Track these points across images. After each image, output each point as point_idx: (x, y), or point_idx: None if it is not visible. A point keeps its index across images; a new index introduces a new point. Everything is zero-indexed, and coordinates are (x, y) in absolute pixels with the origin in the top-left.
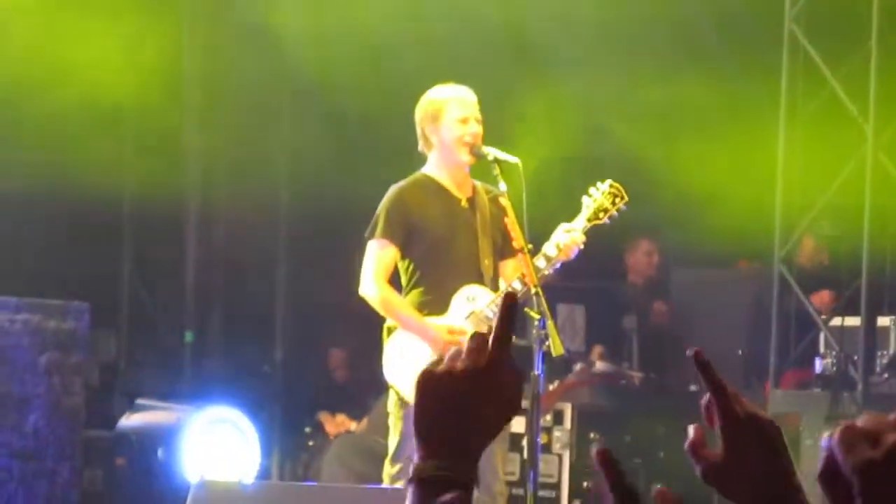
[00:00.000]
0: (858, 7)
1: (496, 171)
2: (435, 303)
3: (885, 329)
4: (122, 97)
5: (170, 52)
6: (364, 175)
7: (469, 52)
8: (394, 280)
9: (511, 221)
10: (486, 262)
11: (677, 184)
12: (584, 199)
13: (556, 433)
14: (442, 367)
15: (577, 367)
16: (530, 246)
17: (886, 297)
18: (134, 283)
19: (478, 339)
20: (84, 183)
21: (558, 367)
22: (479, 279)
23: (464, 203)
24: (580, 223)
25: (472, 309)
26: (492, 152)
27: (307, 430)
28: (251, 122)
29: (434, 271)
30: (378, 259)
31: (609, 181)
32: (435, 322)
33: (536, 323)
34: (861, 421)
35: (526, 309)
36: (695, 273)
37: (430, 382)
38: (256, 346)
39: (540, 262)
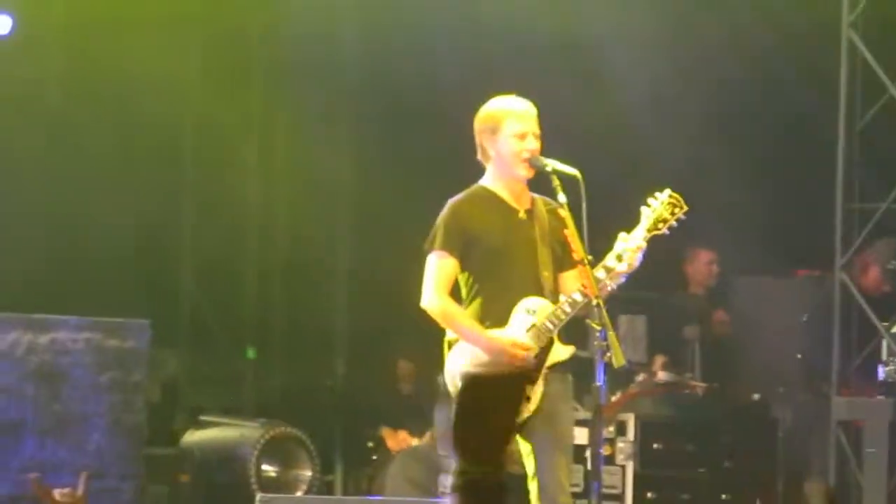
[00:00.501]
0: None
1: (555, 182)
2: (495, 315)
3: None
4: (181, 115)
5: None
6: (425, 188)
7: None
8: (454, 293)
9: (571, 233)
10: (546, 274)
11: (734, 195)
12: (643, 209)
13: (620, 444)
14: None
15: (640, 377)
16: (590, 258)
17: None
18: (194, 300)
19: None
20: (145, 201)
21: (621, 378)
22: (539, 291)
23: (522, 215)
24: (640, 233)
25: (533, 321)
26: (551, 164)
27: (370, 444)
28: (311, 134)
29: (493, 283)
30: (438, 271)
31: (668, 191)
32: (498, 334)
33: (598, 334)
34: None
35: (587, 320)
36: (755, 282)
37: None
38: (318, 360)
39: (600, 273)
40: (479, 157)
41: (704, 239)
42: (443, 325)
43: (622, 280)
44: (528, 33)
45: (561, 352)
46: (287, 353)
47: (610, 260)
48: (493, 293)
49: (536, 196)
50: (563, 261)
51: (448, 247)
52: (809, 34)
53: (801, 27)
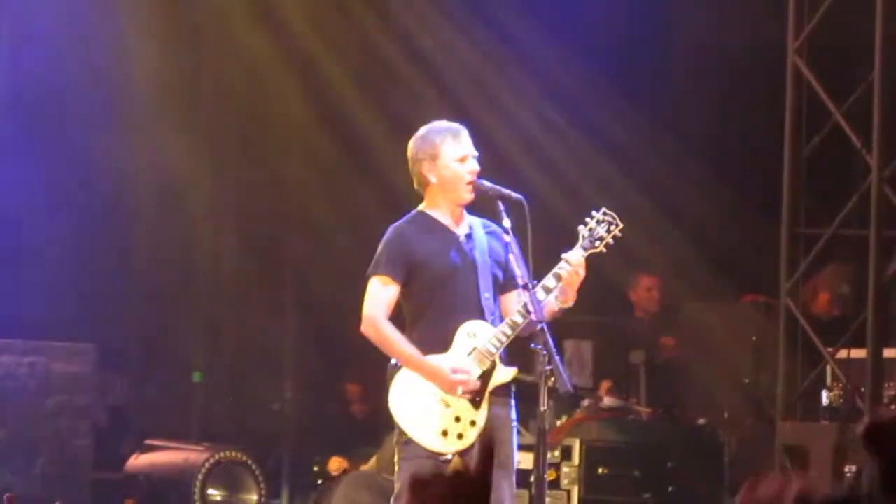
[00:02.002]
0: (861, 39)
1: (500, 207)
2: (437, 339)
3: (892, 361)
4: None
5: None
6: (372, 212)
7: None
8: (396, 317)
9: (515, 257)
10: (487, 296)
11: (680, 219)
12: (580, 228)
13: (565, 469)
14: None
15: (585, 402)
16: (535, 282)
17: (892, 330)
18: (141, 324)
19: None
20: (93, 224)
21: (566, 403)
22: (481, 314)
23: (462, 238)
24: (578, 252)
25: (475, 345)
26: (496, 189)
27: (315, 468)
28: (260, 160)
29: (436, 307)
30: (379, 296)
31: (603, 209)
32: (438, 360)
33: (542, 359)
34: (765, 482)
35: (532, 345)
36: (701, 307)
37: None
38: (265, 384)
39: (540, 293)
40: (416, 185)
41: (650, 264)
42: (383, 350)
43: (567, 305)
44: None
45: (503, 374)
46: (234, 377)
47: (549, 280)
48: (435, 317)
49: (474, 218)
50: (503, 283)
51: (391, 272)
52: (754, 60)
53: (746, 53)
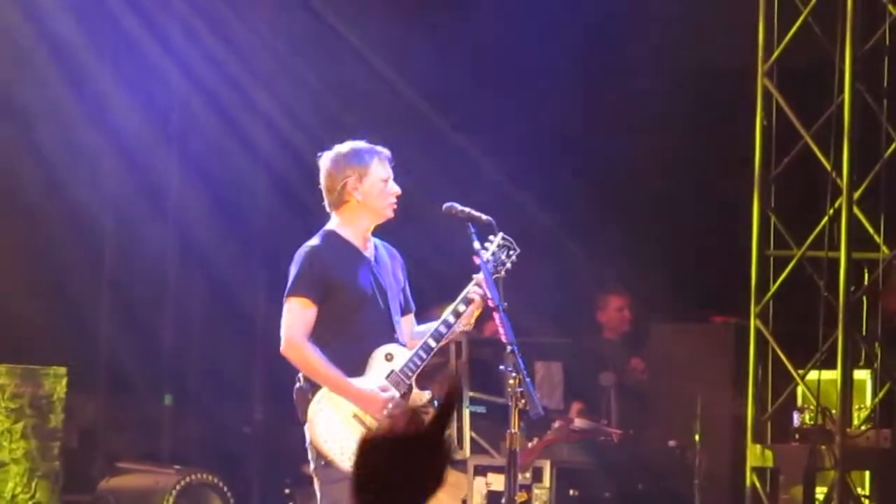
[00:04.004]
0: (831, 61)
1: (470, 229)
2: (351, 362)
3: (862, 382)
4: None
5: None
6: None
7: None
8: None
9: (481, 280)
10: (397, 319)
11: (650, 242)
12: (482, 252)
13: (536, 491)
14: (383, 430)
15: (556, 424)
16: (505, 304)
17: (863, 351)
18: (112, 346)
19: (409, 411)
20: (63, 245)
21: (537, 425)
22: (393, 337)
23: (372, 261)
24: (486, 277)
25: (392, 368)
26: (466, 211)
27: (287, 490)
28: (228, 185)
29: (350, 330)
30: (300, 318)
31: (501, 233)
32: (363, 382)
33: (512, 381)
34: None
35: (501, 367)
36: (671, 328)
37: (371, 444)
38: (236, 406)
39: (450, 317)
40: (333, 199)
41: (621, 285)
42: (304, 371)
43: (468, 329)
44: None
45: (420, 397)
46: (205, 400)
47: (460, 305)
48: (349, 340)
49: (375, 239)
50: (404, 306)
51: (310, 293)
52: (724, 82)
53: (716, 75)
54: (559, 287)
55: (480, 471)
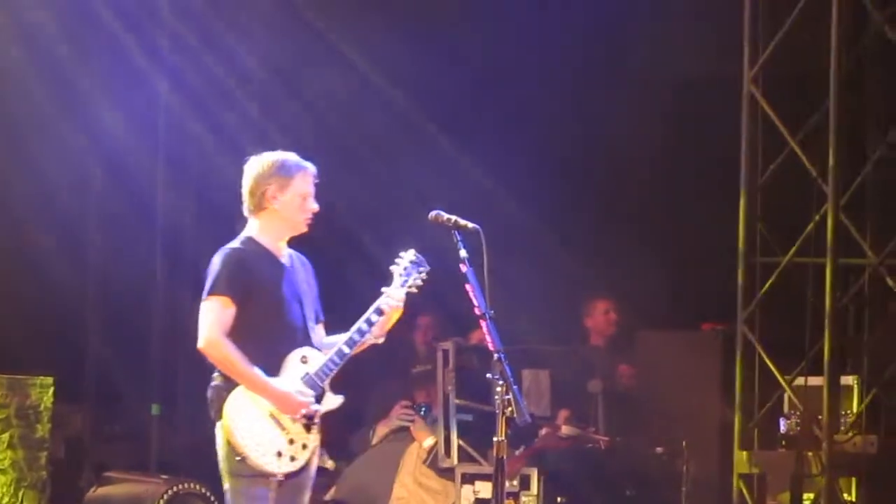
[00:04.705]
0: (817, 68)
1: (456, 237)
2: (267, 363)
3: (849, 388)
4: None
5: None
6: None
7: None
8: None
9: (472, 287)
10: (311, 325)
11: (637, 248)
12: (393, 267)
13: (524, 498)
14: None
15: (543, 431)
16: (492, 312)
17: (849, 357)
18: (99, 357)
19: None
20: (50, 255)
21: (524, 432)
22: (308, 342)
23: (288, 267)
24: (399, 291)
25: (307, 371)
26: (452, 218)
27: None
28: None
29: (267, 333)
30: (219, 316)
31: (412, 251)
32: (280, 382)
33: (499, 389)
34: None
35: (488, 375)
36: (658, 335)
37: None
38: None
39: (363, 326)
40: (251, 204)
41: (607, 292)
42: (223, 369)
43: (380, 341)
44: None
45: (331, 402)
46: (192, 409)
47: (373, 315)
48: (266, 341)
49: (290, 250)
50: (315, 315)
51: (231, 293)
52: (710, 89)
53: (703, 82)
54: (547, 294)
55: (468, 479)
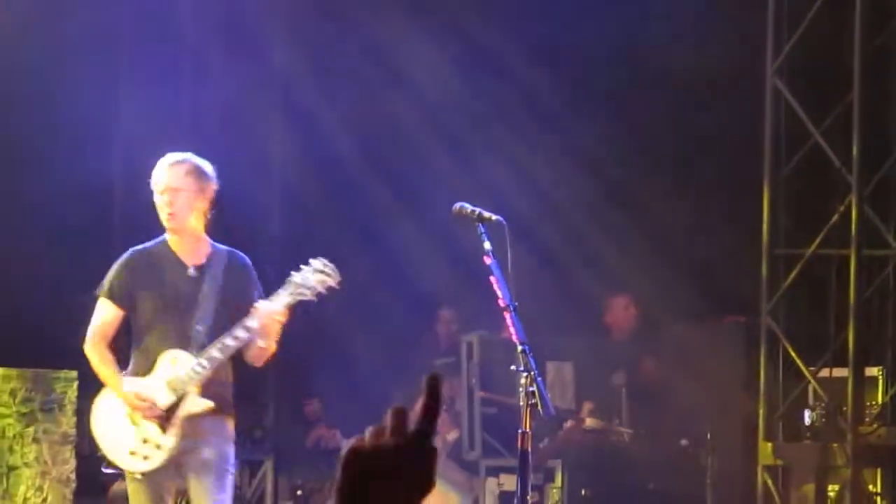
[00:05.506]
0: (840, 59)
1: (479, 230)
2: (146, 365)
3: (873, 379)
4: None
5: None
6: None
7: None
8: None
9: (494, 281)
10: (199, 328)
11: (658, 241)
12: (293, 273)
13: (548, 490)
14: (367, 442)
15: (568, 424)
16: (516, 304)
17: (873, 348)
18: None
19: (399, 414)
20: (75, 251)
21: (549, 425)
22: (188, 346)
23: (191, 271)
24: (280, 301)
25: (175, 372)
26: (477, 211)
27: (298, 493)
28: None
29: (151, 334)
30: (99, 318)
31: (322, 260)
32: (130, 385)
33: (524, 381)
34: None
35: (512, 367)
36: (681, 328)
37: (355, 458)
38: (247, 410)
39: (228, 340)
40: (194, 212)
41: (625, 287)
42: (95, 370)
43: (270, 349)
44: None
45: (195, 404)
46: None
47: (251, 320)
48: (150, 343)
49: (222, 250)
50: (232, 316)
51: (113, 296)
52: (734, 80)
53: (726, 73)
54: (569, 289)
55: (492, 471)
